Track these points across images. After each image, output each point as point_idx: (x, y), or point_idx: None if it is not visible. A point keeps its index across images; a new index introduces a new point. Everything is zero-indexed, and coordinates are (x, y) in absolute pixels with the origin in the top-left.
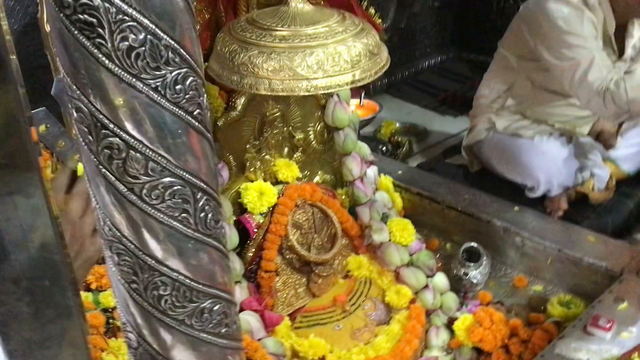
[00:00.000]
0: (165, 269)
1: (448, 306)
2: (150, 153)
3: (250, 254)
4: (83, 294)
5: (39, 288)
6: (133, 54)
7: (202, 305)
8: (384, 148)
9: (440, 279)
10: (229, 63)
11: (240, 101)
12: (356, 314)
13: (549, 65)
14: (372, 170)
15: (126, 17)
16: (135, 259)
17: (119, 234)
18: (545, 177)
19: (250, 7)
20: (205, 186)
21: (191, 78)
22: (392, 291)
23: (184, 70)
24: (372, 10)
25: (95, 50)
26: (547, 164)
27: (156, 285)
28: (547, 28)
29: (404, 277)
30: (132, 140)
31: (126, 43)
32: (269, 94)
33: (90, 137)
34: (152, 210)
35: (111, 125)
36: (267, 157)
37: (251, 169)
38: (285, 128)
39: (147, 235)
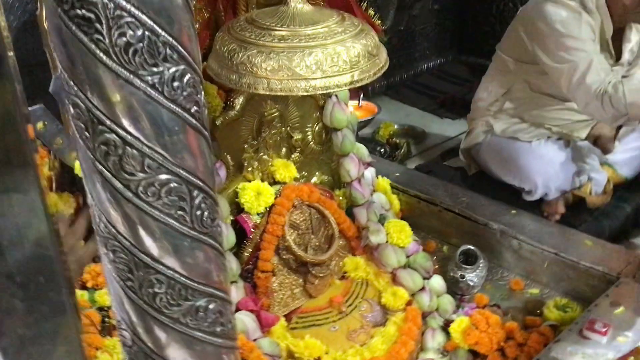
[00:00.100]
0: (160, 266)
1: (444, 308)
2: (147, 150)
3: (247, 254)
4: (79, 292)
5: (34, 284)
6: (131, 50)
7: (197, 303)
8: (382, 150)
9: (437, 281)
10: (228, 62)
11: (239, 101)
12: (352, 315)
13: (546, 68)
14: (369, 172)
15: (124, 13)
16: (130, 256)
17: (114, 231)
18: (543, 180)
19: (250, 6)
20: (201, 184)
21: (189, 75)
22: (389, 293)
23: (182, 67)
24: (371, 12)
25: (93, 46)
26: (545, 167)
27: (151, 283)
28: (545, 31)
29: (400, 279)
30: (129, 136)
31: (124, 39)
32: (267, 93)
33: (86, 134)
34: (148, 208)
35: (108, 122)
36: (265, 157)
37: (249, 169)
38: (283, 128)
39: (142, 233)
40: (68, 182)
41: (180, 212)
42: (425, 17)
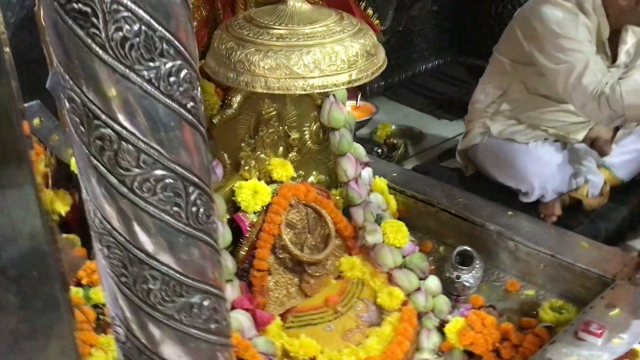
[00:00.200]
0: (155, 262)
1: (440, 309)
2: (143, 145)
3: (243, 253)
4: (74, 289)
5: (27, 279)
6: (127, 45)
7: (192, 300)
8: (380, 150)
9: (433, 282)
10: (226, 60)
11: (237, 99)
12: (348, 315)
13: (543, 69)
14: (366, 172)
15: (121, 7)
16: (125, 252)
17: (109, 226)
18: (540, 182)
19: (248, 5)
20: (197, 180)
21: (185, 71)
22: (385, 293)
23: (178, 62)
24: (370, 11)
25: (89, 40)
26: (542, 169)
27: (146, 279)
28: (542, 32)
29: (396, 279)
30: (124, 131)
31: (120, 33)
32: (265, 92)
33: (82, 128)
34: (143, 203)
35: (103, 116)
36: (262, 156)
37: (246, 168)
38: (280, 127)
39: (137, 229)
40: (64, 178)
41: (175, 208)
42: (424, 18)
